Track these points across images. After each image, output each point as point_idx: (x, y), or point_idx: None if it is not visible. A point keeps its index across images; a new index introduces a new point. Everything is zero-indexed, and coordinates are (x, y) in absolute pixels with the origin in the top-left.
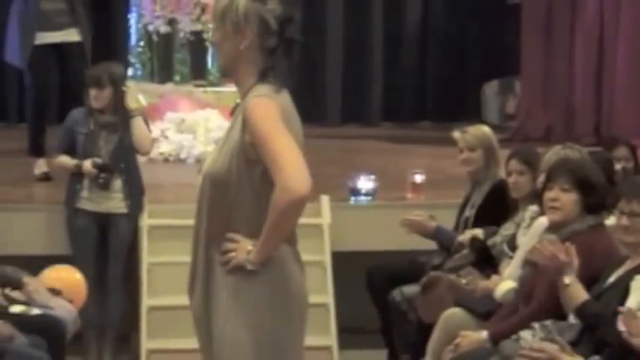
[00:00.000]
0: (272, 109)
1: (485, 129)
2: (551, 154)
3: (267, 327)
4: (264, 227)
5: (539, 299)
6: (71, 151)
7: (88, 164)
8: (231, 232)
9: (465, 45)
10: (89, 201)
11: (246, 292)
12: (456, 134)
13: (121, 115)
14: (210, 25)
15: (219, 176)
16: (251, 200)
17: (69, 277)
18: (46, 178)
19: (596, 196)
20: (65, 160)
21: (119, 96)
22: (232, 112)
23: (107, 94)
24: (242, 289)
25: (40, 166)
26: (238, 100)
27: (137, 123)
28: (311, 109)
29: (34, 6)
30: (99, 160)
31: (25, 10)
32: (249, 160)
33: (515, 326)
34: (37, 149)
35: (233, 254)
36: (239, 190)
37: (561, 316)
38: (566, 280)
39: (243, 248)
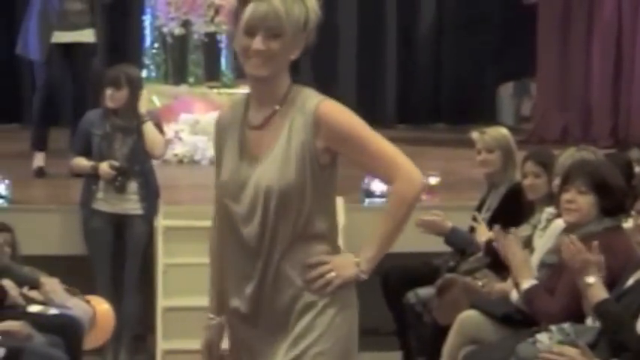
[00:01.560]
0: (347, 110)
1: (504, 130)
2: (566, 156)
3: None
4: (379, 230)
5: (558, 301)
6: (87, 153)
7: (105, 166)
8: (307, 244)
9: (480, 46)
10: (105, 202)
11: (338, 311)
12: (475, 135)
13: (136, 119)
14: (225, 27)
15: (291, 189)
16: (324, 208)
17: (98, 308)
18: (40, 173)
19: (613, 199)
20: (82, 161)
21: (135, 98)
22: (268, 119)
23: (123, 95)
24: (336, 307)
25: (38, 159)
26: (277, 107)
27: (148, 128)
28: None
29: (57, 4)
30: (116, 163)
31: (45, 7)
32: (321, 167)
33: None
34: (38, 144)
35: (332, 274)
36: (312, 201)
37: (579, 319)
38: (590, 279)
39: (344, 263)
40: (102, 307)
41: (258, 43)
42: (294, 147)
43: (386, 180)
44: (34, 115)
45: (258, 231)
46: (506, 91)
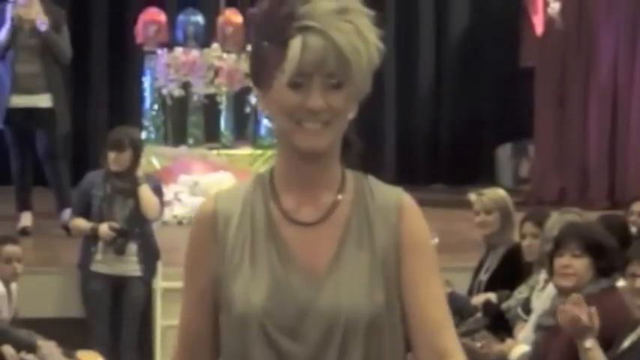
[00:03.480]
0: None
1: (502, 192)
2: (552, 222)
3: None
4: None
5: None
6: (87, 214)
7: (105, 228)
8: None
9: (479, 108)
10: (103, 264)
11: None
12: (472, 196)
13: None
14: (224, 89)
15: (383, 317)
16: (399, 339)
17: None
18: (24, 233)
19: (607, 259)
20: (81, 222)
21: (137, 161)
22: (328, 214)
23: (126, 157)
24: None
25: (22, 220)
26: (340, 196)
27: (143, 191)
28: None
29: (9, 68)
30: (116, 225)
31: (1, 71)
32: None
33: None
34: (21, 204)
35: None
36: (393, 329)
37: None
38: (587, 343)
39: None
40: None
41: (315, 98)
42: (379, 254)
43: (425, 341)
44: (13, 176)
45: None
46: (504, 152)
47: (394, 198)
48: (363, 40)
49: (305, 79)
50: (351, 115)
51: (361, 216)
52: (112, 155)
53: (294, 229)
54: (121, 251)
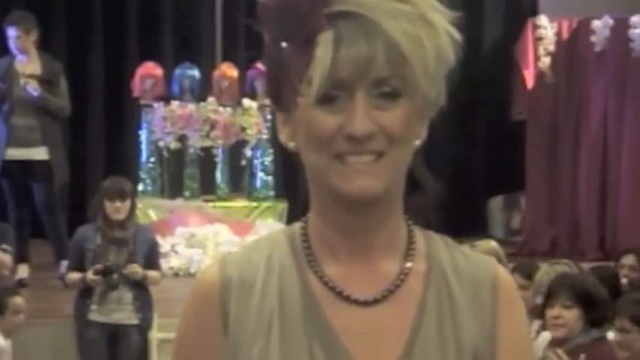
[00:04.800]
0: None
1: (493, 243)
2: (542, 273)
3: None
4: None
5: None
6: (81, 268)
7: (89, 275)
8: None
9: (470, 160)
10: (99, 313)
11: None
12: (465, 248)
13: (132, 230)
14: (220, 141)
15: None
16: None
17: None
18: (21, 285)
19: (598, 310)
20: (74, 276)
21: (134, 210)
22: (395, 287)
23: (127, 206)
24: None
25: (19, 272)
26: (409, 264)
27: (151, 279)
28: None
29: (5, 120)
30: (99, 266)
31: None
32: None
33: None
34: (18, 256)
35: None
36: None
37: None
38: None
39: None
40: None
41: (359, 119)
42: (468, 349)
43: None
44: (12, 228)
45: None
46: (496, 204)
47: (486, 269)
48: (429, 26)
49: (343, 91)
50: (418, 139)
51: (441, 293)
52: (117, 204)
53: (345, 309)
54: (115, 286)
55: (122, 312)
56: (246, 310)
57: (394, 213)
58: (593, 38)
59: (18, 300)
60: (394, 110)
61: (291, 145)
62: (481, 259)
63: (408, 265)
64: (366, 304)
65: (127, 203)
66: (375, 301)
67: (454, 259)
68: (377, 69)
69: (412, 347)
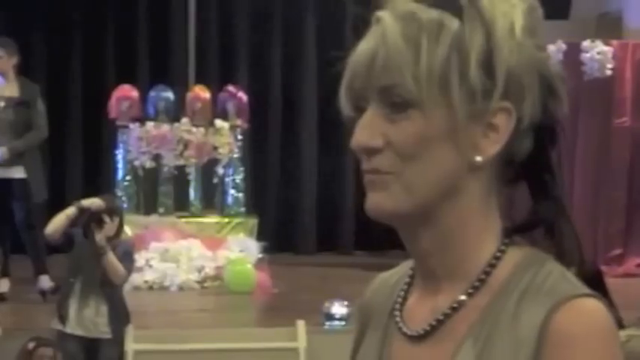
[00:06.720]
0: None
1: None
2: None
3: None
4: None
5: None
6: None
7: (69, 209)
8: None
9: None
10: (78, 325)
11: None
12: None
13: (110, 242)
14: (193, 160)
15: None
16: None
17: None
18: (1, 298)
19: None
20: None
21: (122, 225)
22: (439, 324)
23: (116, 224)
24: None
25: (0, 286)
26: (463, 297)
27: (108, 259)
28: (289, 239)
29: None
30: (79, 203)
31: None
32: None
33: None
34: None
35: None
36: None
37: None
38: None
39: None
40: None
41: (359, 130)
42: None
43: None
44: None
45: None
46: None
47: (542, 310)
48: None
49: (365, 102)
50: (478, 155)
51: (490, 331)
52: (107, 221)
53: (398, 341)
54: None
55: (98, 325)
56: (362, 337)
57: (458, 237)
58: None
59: None
60: (404, 123)
61: None
62: (555, 292)
63: (462, 298)
64: (411, 338)
65: (116, 221)
66: (419, 337)
67: (526, 290)
68: (376, 76)
69: None
